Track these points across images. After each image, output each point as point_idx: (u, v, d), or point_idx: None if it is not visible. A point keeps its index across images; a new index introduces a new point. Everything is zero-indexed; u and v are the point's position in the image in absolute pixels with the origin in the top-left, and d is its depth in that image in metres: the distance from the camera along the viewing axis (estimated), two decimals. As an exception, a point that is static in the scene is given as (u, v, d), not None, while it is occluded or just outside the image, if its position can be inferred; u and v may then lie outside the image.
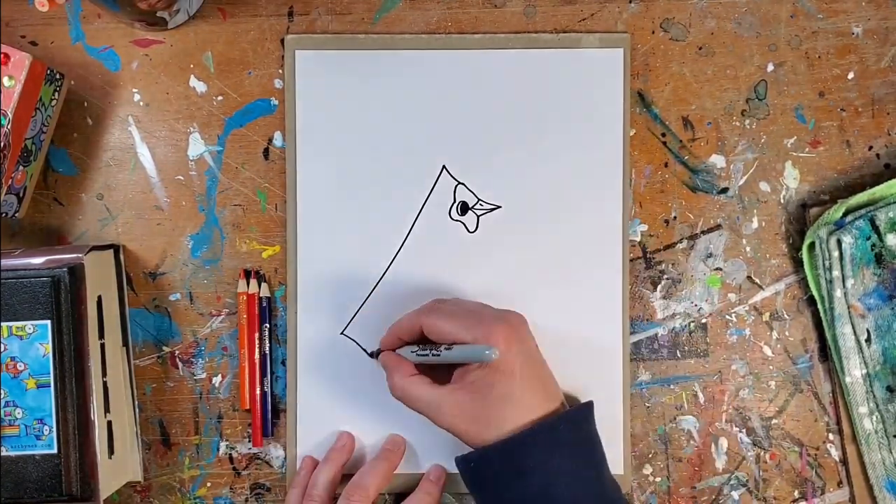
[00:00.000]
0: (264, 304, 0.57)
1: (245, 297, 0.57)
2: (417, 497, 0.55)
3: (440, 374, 0.51)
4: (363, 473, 0.55)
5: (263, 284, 0.58)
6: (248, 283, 0.57)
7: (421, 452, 0.58)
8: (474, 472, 0.49)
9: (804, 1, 0.58)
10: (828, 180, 0.58)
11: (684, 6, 0.58)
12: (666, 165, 0.58)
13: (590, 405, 0.50)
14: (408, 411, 0.57)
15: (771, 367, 0.58)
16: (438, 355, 0.50)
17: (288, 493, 0.56)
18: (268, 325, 0.58)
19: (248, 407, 0.57)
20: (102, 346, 0.54)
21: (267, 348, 0.58)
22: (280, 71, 0.58)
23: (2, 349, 0.51)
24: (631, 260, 0.58)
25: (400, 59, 0.57)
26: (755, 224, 0.58)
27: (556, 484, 0.46)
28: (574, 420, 0.49)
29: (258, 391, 0.57)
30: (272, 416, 0.58)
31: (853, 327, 0.56)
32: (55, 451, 0.51)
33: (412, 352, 0.52)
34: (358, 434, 0.58)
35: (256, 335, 0.57)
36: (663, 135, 0.58)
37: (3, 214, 0.54)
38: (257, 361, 0.57)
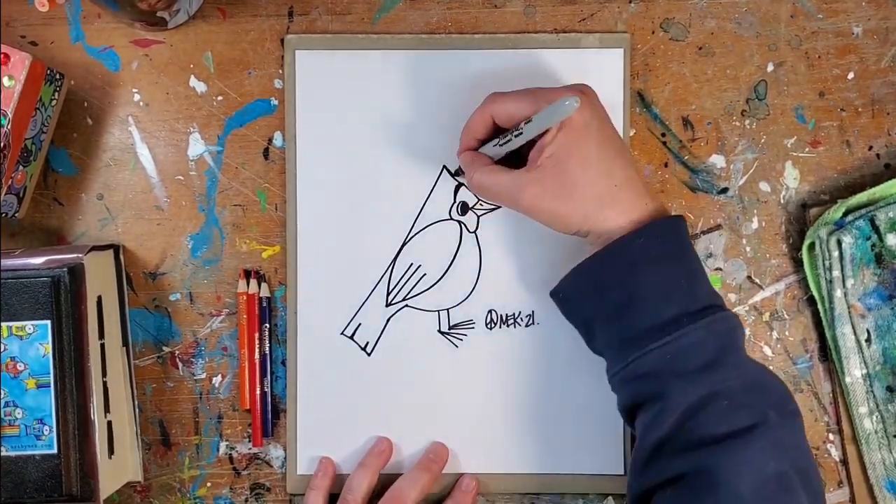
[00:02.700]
0: (264, 304, 0.57)
1: (245, 297, 0.57)
2: (415, 471, 0.55)
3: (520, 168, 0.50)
4: (403, 484, 0.54)
5: (263, 284, 0.58)
6: (248, 283, 0.57)
7: (424, 450, 0.58)
8: (563, 300, 0.50)
9: (804, 1, 0.58)
10: (828, 180, 0.58)
11: (684, 6, 0.58)
12: (666, 165, 0.58)
13: (676, 219, 0.49)
14: (407, 412, 0.57)
15: (771, 367, 0.58)
16: (521, 133, 0.48)
17: (307, 494, 0.56)
18: (268, 325, 0.58)
19: (248, 407, 0.57)
20: (102, 346, 0.54)
21: (267, 348, 0.58)
22: (280, 71, 0.58)
23: (2, 349, 0.51)
24: (631, 260, 0.58)
25: (400, 59, 0.57)
26: (755, 224, 0.58)
27: (640, 297, 0.46)
28: (654, 234, 0.47)
29: (258, 391, 0.57)
30: (272, 416, 0.58)
31: (853, 327, 0.56)
32: (55, 451, 0.51)
33: (493, 145, 0.51)
34: (358, 434, 0.58)
35: (256, 335, 0.57)
36: (663, 135, 0.58)
37: (3, 214, 0.54)
38: (257, 361, 0.57)
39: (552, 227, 0.49)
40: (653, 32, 0.58)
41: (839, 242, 0.54)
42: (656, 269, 0.47)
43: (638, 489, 0.47)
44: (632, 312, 0.46)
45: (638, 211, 0.48)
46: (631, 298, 0.46)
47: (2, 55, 0.51)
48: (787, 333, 0.58)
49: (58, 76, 0.55)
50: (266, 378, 0.57)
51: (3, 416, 0.51)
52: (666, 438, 0.45)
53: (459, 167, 0.57)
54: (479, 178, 0.50)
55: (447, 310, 0.58)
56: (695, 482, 0.44)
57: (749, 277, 0.58)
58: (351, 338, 0.58)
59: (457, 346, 0.58)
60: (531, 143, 0.49)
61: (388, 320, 0.58)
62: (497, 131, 0.51)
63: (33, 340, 0.51)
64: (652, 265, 0.47)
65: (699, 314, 0.46)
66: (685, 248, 0.49)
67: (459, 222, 0.57)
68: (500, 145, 0.50)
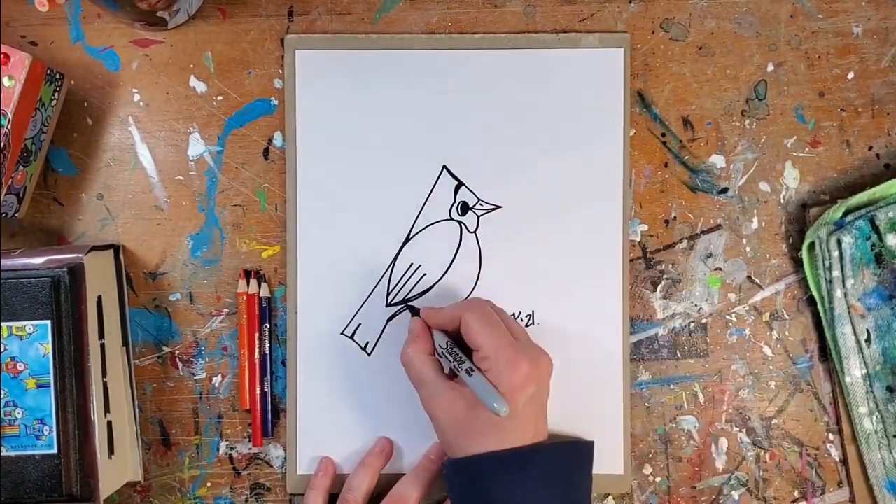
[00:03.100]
0: (264, 304, 0.57)
1: (245, 297, 0.57)
2: (415, 472, 0.56)
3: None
4: (404, 485, 0.55)
5: (263, 284, 0.58)
6: (248, 283, 0.57)
7: (424, 450, 0.57)
8: (449, 479, 0.50)
9: (804, 1, 0.58)
10: (828, 180, 0.58)
11: (684, 6, 0.58)
12: (666, 165, 0.58)
13: (574, 445, 0.50)
14: (407, 412, 0.57)
15: (771, 367, 0.58)
16: (458, 373, 0.50)
17: (306, 493, 0.56)
18: (268, 325, 0.58)
19: (248, 407, 0.57)
20: (102, 346, 0.54)
21: (267, 348, 0.58)
22: (280, 71, 0.58)
23: (2, 349, 0.51)
24: (631, 260, 0.58)
25: (400, 59, 0.57)
26: (755, 224, 0.58)
27: None
28: (549, 455, 0.49)
29: (258, 391, 0.57)
30: (272, 416, 0.58)
31: (853, 327, 0.56)
32: (55, 451, 0.51)
33: (441, 346, 0.52)
34: (358, 434, 0.58)
35: (256, 335, 0.57)
36: (663, 135, 0.58)
37: (3, 214, 0.54)
38: (257, 361, 0.57)
39: (440, 439, 0.51)
40: (653, 32, 0.58)
41: (839, 242, 0.54)
42: (544, 493, 0.47)
43: None
44: None
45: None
46: None
47: (2, 55, 0.51)
48: (787, 333, 0.58)
49: (58, 76, 0.55)
50: (266, 378, 0.57)
51: (3, 416, 0.51)
52: None
53: (459, 169, 0.57)
54: (411, 358, 0.51)
55: (447, 310, 0.58)
56: None
57: (749, 277, 0.58)
58: (351, 338, 0.58)
59: (457, 346, 0.58)
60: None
61: (388, 320, 0.58)
62: (458, 332, 0.51)
63: (33, 340, 0.51)
64: (539, 487, 0.47)
65: None
66: (571, 476, 0.50)
67: (459, 222, 0.58)
68: (444, 353, 0.51)
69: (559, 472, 0.49)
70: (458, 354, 0.50)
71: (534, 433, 0.49)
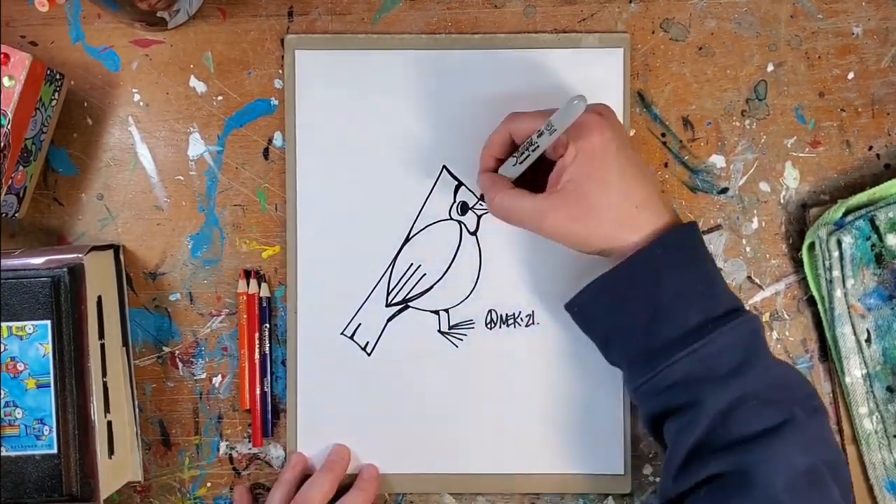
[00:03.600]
0: (264, 304, 0.57)
1: (245, 297, 0.57)
2: (353, 495, 0.55)
3: (540, 190, 0.50)
4: (307, 488, 0.54)
5: (263, 284, 0.58)
6: (248, 283, 0.57)
7: (424, 451, 0.58)
8: (580, 314, 0.50)
9: (804, 1, 0.58)
10: (828, 180, 0.58)
11: (684, 6, 0.58)
12: (666, 165, 0.58)
13: (690, 227, 0.49)
14: (407, 412, 0.57)
15: (771, 367, 0.58)
16: (536, 146, 0.48)
17: (272, 489, 0.55)
18: (268, 325, 0.58)
19: (248, 407, 0.57)
20: (102, 346, 0.54)
21: (267, 348, 0.58)
22: (280, 71, 0.58)
23: (2, 349, 0.51)
24: (631, 260, 0.58)
25: (400, 59, 0.57)
26: (755, 224, 0.58)
27: (663, 308, 0.46)
28: (671, 243, 0.48)
29: (258, 391, 0.57)
30: (272, 416, 0.58)
31: (853, 327, 0.56)
32: (55, 451, 0.51)
33: (512, 164, 0.51)
34: (358, 434, 0.58)
35: (256, 335, 0.57)
36: (663, 135, 0.58)
37: (3, 214, 0.54)
38: (257, 361, 0.57)
39: (574, 248, 0.50)
40: (653, 32, 0.58)
41: (839, 242, 0.54)
42: (677, 277, 0.47)
43: (672, 493, 0.47)
44: (656, 324, 0.47)
45: (656, 226, 0.49)
46: (654, 310, 0.47)
47: (2, 55, 0.51)
48: (787, 333, 0.58)
49: (58, 76, 0.55)
50: (266, 378, 0.57)
51: (3, 416, 0.51)
52: (700, 442, 0.46)
53: (459, 169, 0.57)
54: (500, 202, 0.50)
55: (447, 310, 0.58)
56: (729, 481, 0.45)
57: (749, 277, 0.58)
58: (351, 338, 0.58)
59: (457, 347, 0.58)
60: (551, 165, 0.50)
61: (388, 320, 0.58)
62: (514, 148, 0.51)
63: (33, 340, 0.51)
64: (672, 274, 0.47)
65: (722, 319, 0.46)
66: (701, 254, 0.49)
67: (459, 222, 0.57)
68: (519, 162, 0.50)
69: (685, 255, 0.48)
70: (524, 146, 0.49)
71: (641, 179, 0.48)
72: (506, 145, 0.52)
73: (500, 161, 0.52)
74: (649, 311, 0.47)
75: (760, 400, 0.45)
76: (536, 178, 0.51)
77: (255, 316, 0.57)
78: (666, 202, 0.50)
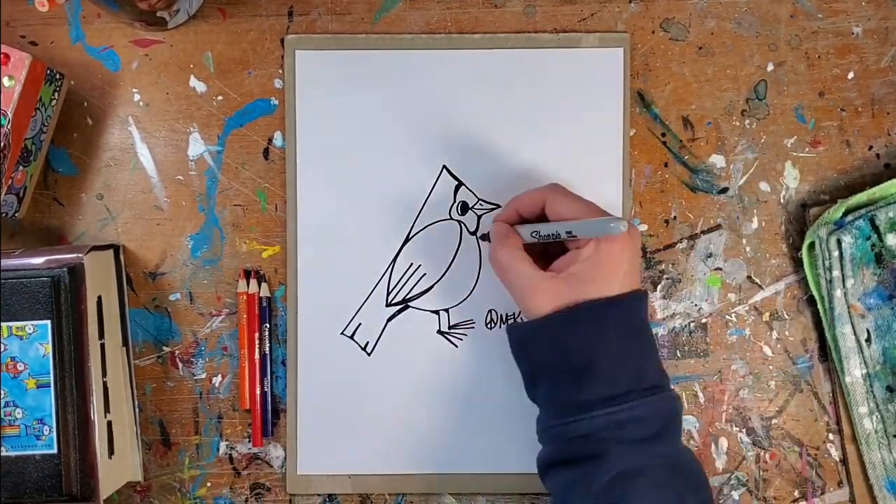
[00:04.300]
0: (264, 304, 0.57)
1: (245, 297, 0.57)
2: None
3: (542, 264, 0.50)
4: None
5: (263, 284, 0.58)
6: (248, 283, 0.57)
7: (424, 450, 0.58)
8: (518, 344, 0.50)
9: (804, 1, 0.58)
10: (828, 180, 0.58)
11: (684, 6, 0.58)
12: (666, 165, 0.58)
13: (643, 294, 0.50)
14: (407, 412, 0.57)
15: (771, 367, 0.58)
16: (559, 235, 0.49)
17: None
18: (268, 325, 0.58)
19: (248, 407, 0.57)
20: (102, 346, 0.54)
21: (267, 348, 0.57)
22: (280, 71, 0.58)
23: (2, 349, 0.51)
24: (631, 260, 0.58)
25: (400, 59, 0.57)
26: (755, 224, 0.58)
27: (597, 366, 0.47)
28: (624, 306, 0.48)
29: (258, 391, 0.57)
30: (272, 416, 0.58)
31: (853, 327, 0.56)
32: (55, 451, 0.51)
33: (531, 233, 0.51)
34: (358, 434, 0.57)
35: (256, 335, 0.57)
36: (663, 135, 0.58)
37: (3, 214, 0.54)
38: (257, 361, 0.57)
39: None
40: (653, 32, 0.58)
41: (839, 242, 0.54)
42: (618, 340, 0.47)
43: None
44: (586, 379, 0.47)
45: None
46: (588, 364, 0.47)
47: (2, 55, 0.51)
48: (787, 333, 0.58)
49: (58, 76, 0.55)
50: (266, 378, 0.57)
51: (3, 416, 0.51)
52: (590, 502, 0.46)
53: (459, 169, 0.57)
54: (503, 256, 0.51)
55: (447, 310, 0.58)
56: None
57: (749, 277, 0.58)
58: (351, 338, 0.58)
59: (457, 346, 0.58)
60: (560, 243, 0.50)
61: (388, 320, 0.58)
62: (541, 215, 0.52)
63: (33, 340, 0.51)
64: (615, 336, 0.47)
65: (647, 391, 0.47)
66: (645, 325, 0.50)
67: (459, 222, 0.58)
68: (537, 239, 0.51)
69: (643, 318, 0.49)
70: (551, 227, 0.50)
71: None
72: (536, 208, 0.52)
73: (522, 217, 0.53)
74: (584, 365, 0.47)
75: (656, 480, 0.46)
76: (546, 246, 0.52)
77: (256, 316, 0.57)
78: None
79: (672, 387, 0.49)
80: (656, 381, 0.48)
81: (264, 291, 0.58)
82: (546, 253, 0.52)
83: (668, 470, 0.46)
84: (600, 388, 0.47)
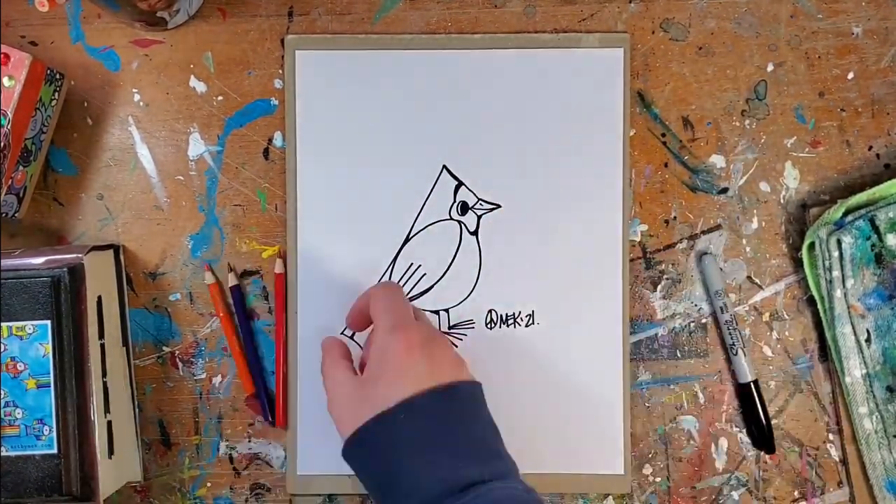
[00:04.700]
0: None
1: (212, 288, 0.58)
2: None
3: None
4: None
5: (230, 274, 0.57)
6: (213, 275, 0.58)
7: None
8: (348, 459, 0.48)
9: (804, 1, 0.58)
10: (828, 180, 0.58)
11: (684, 6, 0.58)
12: (666, 165, 0.58)
13: (446, 390, 0.46)
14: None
15: (771, 367, 0.58)
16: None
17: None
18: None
19: (253, 391, 0.57)
20: (102, 346, 0.54)
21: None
22: (280, 71, 0.58)
23: (2, 349, 0.51)
24: (631, 260, 0.58)
25: (400, 59, 0.57)
26: (755, 224, 0.58)
27: (399, 478, 0.44)
28: (417, 410, 0.45)
29: (282, 371, 0.57)
30: (272, 408, 0.58)
31: (853, 327, 0.56)
32: (55, 451, 0.51)
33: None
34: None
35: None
36: (663, 135, 0.58)
37: (3, 214, 0.54)
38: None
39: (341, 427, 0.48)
40: (653, 32, 0.58)
41: (839, 242, 0.54)
42: (417, 447, 0.45)
43: None
44: (394, 491, 0.45)
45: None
46: (392, 477, 0.45)
47: (2, 55, 0.51)
48: (787, 333, 0.58)
49: (58, 76, 0.55)
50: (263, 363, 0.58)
51: (3, 416, 0.51)
52: None
53: (459, 169, 0.57)
54: (324, 368, 0.51)
55: (447, 310, 0.58)
56: None
57: (749, 277, 0.58)
58: (351, 338, 0.58)
59: (457, 347, 0.58)
60: None
61: (388, 320, 0.58)
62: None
63: (33, 340, 0.51)
64: (412, 445, 0.45)
65: (462, 492, 0.43)
66: (452, 422, 0.46)
67: (459, 222, 0.58)
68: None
69: (447, 416, 0.46)
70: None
71: (435, 369, 0.46)
72: (366, 321, 0.51)
73: (360, 326, 0.52)
74: (388, 479, 0.45)
75: None
76: None
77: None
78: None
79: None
80: (470, 480, 0.44)
81: (232, 281, 0.57)
82: None
83: None
84: (410, 500, 0.44)
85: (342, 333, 0.57)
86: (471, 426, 0.47)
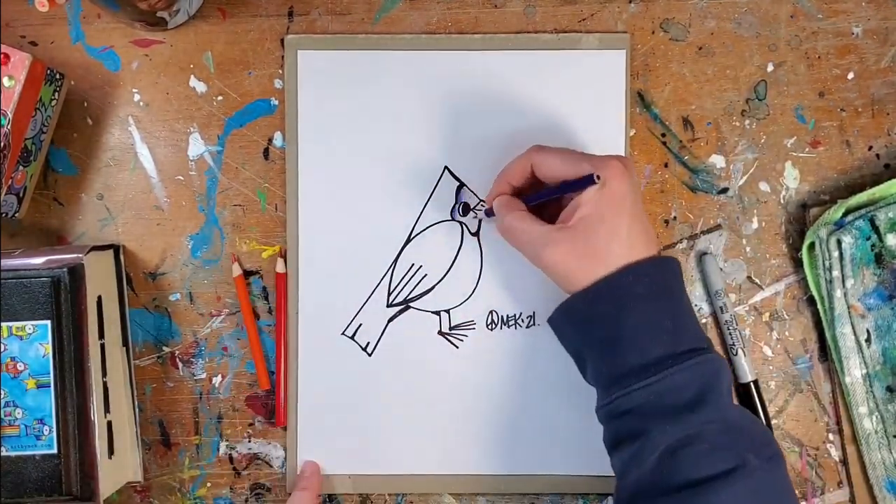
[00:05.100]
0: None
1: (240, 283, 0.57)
2: (297, 496, 0.55)
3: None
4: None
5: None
6: (241, 267, 0.57)
7: (424, 451, 0.58)
8: (557, 331, 0.51)
9: (804, 1, 0.58)
10: (828, 180, 0.58)
11: (684, 6, 0.58)
12: (666, 165, 0.58)
13: (665, 260, 0.49)
14: (407, 412, 0.57)
15: (771, 367, 0.58)
16: (554, 195, 0.50)
17: (295, 496, 0.55)
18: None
19: (268, 388, 0.58)
20: (102, 346, 0.54)
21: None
22: (280, 71, 0.58)
23: (2, 349, 0.51)
24: (631, 260, 0.58)
25: (400, 60, 0.57)
26: (755, 224, 0.58)
27: (624, 337, 0.46)
28: (642, 272, 0.47)
29: (282, 368, 0.58)
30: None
31: (853, 327, 0.56)
32: (55, 451, 0.51)
33: (528, 201, 0.52)
34: (358, 434, 0.57)
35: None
36: (663, 135, 0.58)
37: (3, 214, 0.54)
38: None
39: (558, 283, 0.50)
40: (653, 32, 0.58)
41: (839, 242, 0.54)
42: (642, 308, 0.47)
43: None
44: (616, 351, 0.47)
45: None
46: (616, 337, 0.47)
47: (2, 55, 0.51)
48: (787, 333, 0.58)
49: (58, 76, 0.55)
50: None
51: (3, 416, 0.51)
52: (645, 481, 0.45)
53: (460, 170, 0.57)
54: (510, 222, 0.51)
55: (448, 310, 0.58)
56: None
57: (749, 277, 0.58)
58: (352, 338, 0.58)
59: (457, 347, 0.58)
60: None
61: (388, 321, 0.58)
62: (532, 181, 0.52)
63: (33, 340, 0.51)
64: (638, 304, 0.47)
65: (683, 356, 0.46)
66: (673, 289, 0.48)
67: (461, 223, 0.58)
68: (537, 201, 0.51)
69: (657, 287, 0.47)
70: (543, 193, 0.50)
71: (646, 237, 0.48)
72: (525, 175, 0.52)
73: (515, 188, 0.53)
74: (612, 338, 0.47)
75: (712, 443, 0.44)
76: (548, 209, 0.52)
77: (284, 293, 0.57)
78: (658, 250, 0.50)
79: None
80: (693, 345, 0.47)
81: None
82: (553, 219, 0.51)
83: (719, 434, 0.45)
84: (633, 359, 0.46)
85: (342, 334, 0.57)
86: (682, 296, 0.49)
